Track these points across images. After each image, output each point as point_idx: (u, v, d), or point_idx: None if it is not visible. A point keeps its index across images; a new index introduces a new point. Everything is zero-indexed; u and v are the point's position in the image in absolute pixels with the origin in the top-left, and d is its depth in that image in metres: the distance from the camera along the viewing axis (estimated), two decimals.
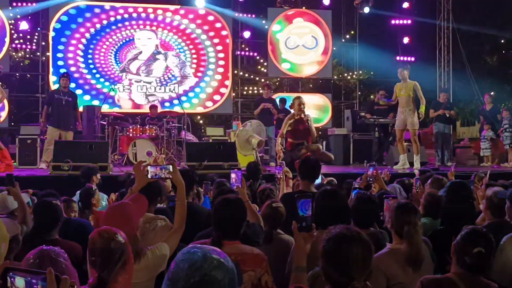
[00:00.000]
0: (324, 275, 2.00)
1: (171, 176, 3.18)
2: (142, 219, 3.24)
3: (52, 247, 2.30)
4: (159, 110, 12.09)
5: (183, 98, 13.35)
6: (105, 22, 13.49)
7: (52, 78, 12.69)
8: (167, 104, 13.47)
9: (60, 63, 13.01)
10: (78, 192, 5.22)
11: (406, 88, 9.28)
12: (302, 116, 8.14)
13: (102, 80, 13.34)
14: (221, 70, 14.23)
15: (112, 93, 11.88)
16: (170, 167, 3.17)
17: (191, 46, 14.07)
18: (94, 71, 13.33)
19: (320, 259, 2.03)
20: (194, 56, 14.08)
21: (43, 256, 2.18)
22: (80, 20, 13.27)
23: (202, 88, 14.05)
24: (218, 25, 14.21)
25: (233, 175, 3.90)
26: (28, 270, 1.60)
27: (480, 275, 2.41)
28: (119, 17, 13.62)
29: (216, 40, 14.22)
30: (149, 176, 3.16)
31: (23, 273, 1.56)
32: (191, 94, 13.96)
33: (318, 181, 4.98)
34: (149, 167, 3.17)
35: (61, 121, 9.46)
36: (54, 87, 11.39)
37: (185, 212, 3.18)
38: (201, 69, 14.11)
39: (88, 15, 13.37)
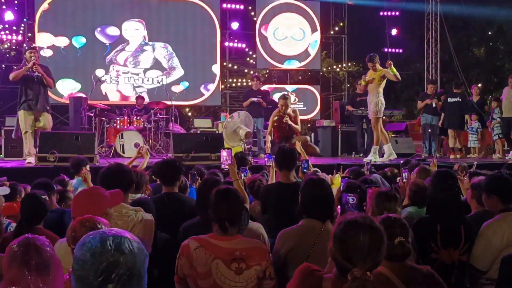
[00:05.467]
0: (331, 256, 2.03)
1: None
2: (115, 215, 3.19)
3: (38, 236, 2.27)
4: (147, 100, 12.05)
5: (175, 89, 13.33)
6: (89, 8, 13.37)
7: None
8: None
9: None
10: (76, 179, 5.33)
11: (375, 75, 8.93)
12: (283, 119, 8.38)
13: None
14: (209, 61, 14.17)
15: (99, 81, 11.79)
16: None
17: (179, 37, 13.98)
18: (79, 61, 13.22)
19: (330, 240, 2.04)
20: (181, 47, 14.00)
21: (28, 245, 2.14)
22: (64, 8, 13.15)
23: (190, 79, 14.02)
24: (205, 15, 14.13)
25: (224, 153, 3.89)
26: None
27: (407, 262, 2.44)
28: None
29: (204, 31, 14.14)
30: None
31: None
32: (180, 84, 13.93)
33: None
34: None
35: (33, 101, 8.19)
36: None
37: None
38: (189, 60, 14.04)
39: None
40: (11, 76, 8.13)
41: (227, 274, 2.65)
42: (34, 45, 8.67)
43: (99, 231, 1.60)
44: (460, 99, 11.37)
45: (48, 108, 8.38)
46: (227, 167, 3.84)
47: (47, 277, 2.10)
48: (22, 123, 8.15)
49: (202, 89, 14.14)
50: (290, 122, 8.41)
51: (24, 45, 8.53)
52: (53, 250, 2.23)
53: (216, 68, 14.23)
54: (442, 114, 11.41)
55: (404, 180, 4.77)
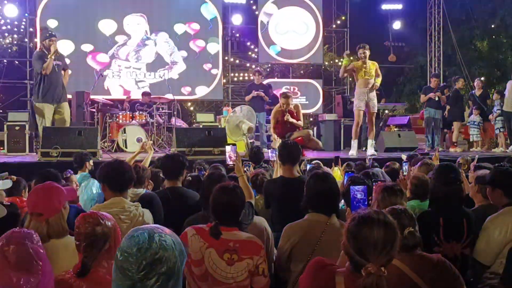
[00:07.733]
0: (344, 251, 2.03)
1: None
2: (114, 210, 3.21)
3: (25, 229, 2.23)
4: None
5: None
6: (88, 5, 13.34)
7: None
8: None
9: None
10: (79, 174, 5.32)
11: (368, 68, 8.86)
12: (284, 116, 8.35)
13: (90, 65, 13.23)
14: (211, 56, 14.15)
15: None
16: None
17: (180, 32, 13.96)
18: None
19: (343, 234, 2.04)
20: (182, 41, 13.98)
21: (11, 238, 2.12)
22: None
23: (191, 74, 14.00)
24: (207, 10, 14.10)
25: (228, 149, 3.89)
26: None
27: (417, 251, 2.44)
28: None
29: (205, 25, 14.12)
30: None
31: None
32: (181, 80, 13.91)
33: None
34: None
35: (55, 93, 8.05)
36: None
37: None
38: (190, 54, 14.02)
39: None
40: (44, 68, 7.92)
41: (218, 264, 2.70)
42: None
43: (147, 227, 1.61)
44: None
45: (66, 97, 8.35)
46: (231, 163, 3.83)
47: (29, 275, 2.03)
48: (44, 116, 8.07)
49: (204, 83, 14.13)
50: (291, 120, 8.37)
51: (48, 33, 8.18)
52: (41, 248, 2.17)
53: (218, 62, 14.21)
54: (447, 107, 11.37)
55: (405, 174, 4.75)
